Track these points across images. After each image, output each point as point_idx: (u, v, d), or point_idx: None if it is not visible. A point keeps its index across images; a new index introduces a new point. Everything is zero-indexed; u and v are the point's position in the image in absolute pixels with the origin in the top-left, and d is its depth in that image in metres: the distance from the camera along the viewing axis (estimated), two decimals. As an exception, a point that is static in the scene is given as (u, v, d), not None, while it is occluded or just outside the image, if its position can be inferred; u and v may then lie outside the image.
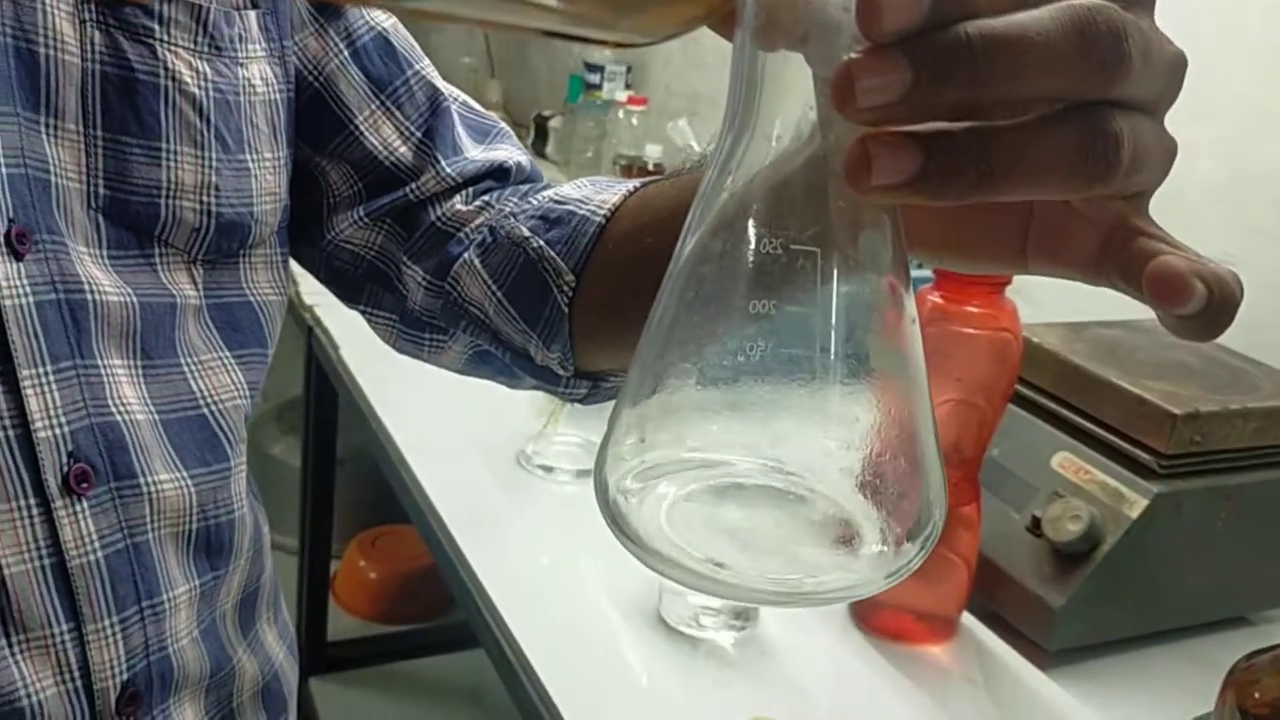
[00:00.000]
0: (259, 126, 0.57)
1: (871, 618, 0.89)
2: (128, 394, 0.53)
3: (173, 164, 0.53)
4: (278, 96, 0.59)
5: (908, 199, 0.27)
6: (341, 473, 1.91)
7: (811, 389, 0.29)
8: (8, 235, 0.47)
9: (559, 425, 1.13)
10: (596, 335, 0.57)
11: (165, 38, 0.52)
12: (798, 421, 0.30)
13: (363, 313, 0.67)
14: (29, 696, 0.49)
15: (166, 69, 0.52)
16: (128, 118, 0.51)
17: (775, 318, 0.29)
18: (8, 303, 0.47)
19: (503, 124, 0.69)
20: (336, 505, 1.91)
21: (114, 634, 0.52)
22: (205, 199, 0.55)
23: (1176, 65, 0.29)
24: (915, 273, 0.31)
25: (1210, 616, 0.95)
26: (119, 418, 0.52)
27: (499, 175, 0.65)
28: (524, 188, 0.64)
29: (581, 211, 0.57)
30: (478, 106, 0.68)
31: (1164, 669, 0.89)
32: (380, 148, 0.63)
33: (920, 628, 0.88)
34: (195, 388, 0.56)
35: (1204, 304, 0.27)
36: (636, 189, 0.57)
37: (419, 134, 0.63)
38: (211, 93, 0.54)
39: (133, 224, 0.53)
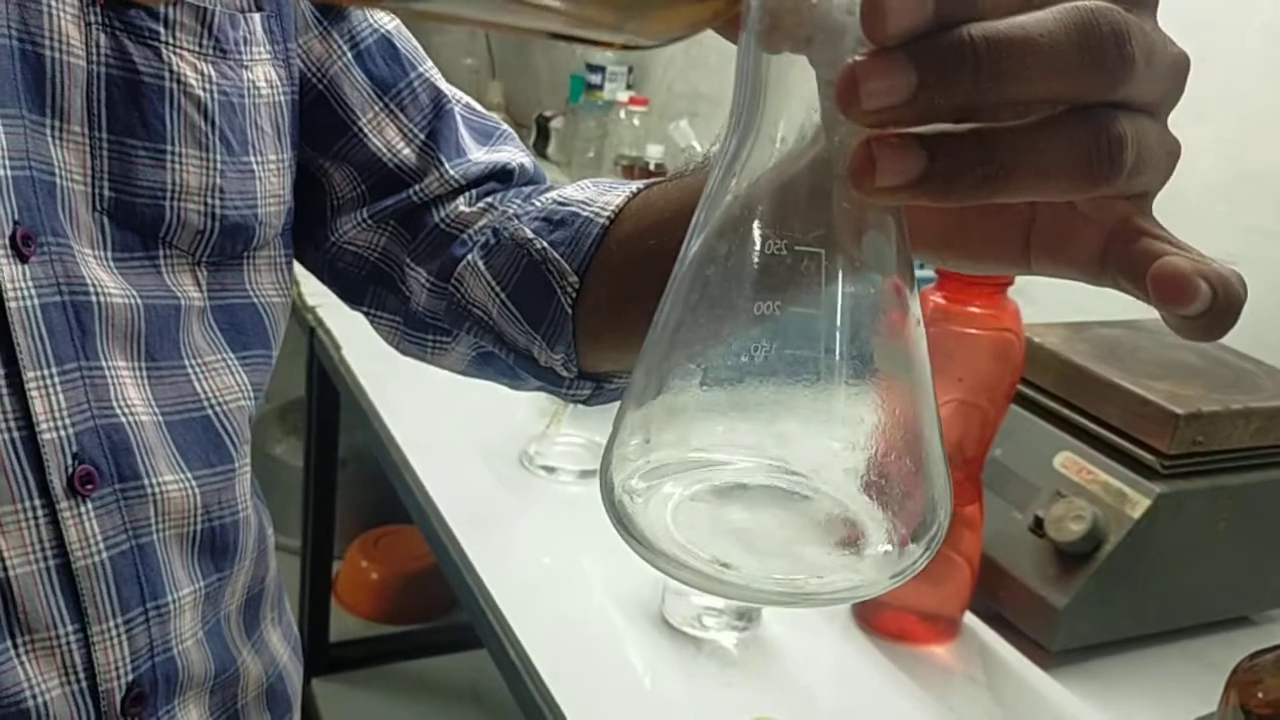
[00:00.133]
0: (263, 129, 0.57)
1: (874, 618, 0.89)
2: (132, 395, 0.53)
3: (177, 166, 0.53)
4: (282, 99, 0.59)
5: (912, 200, 0.27)
6: (344, 473, 1.91)
7: (816, 390, 0.29)
8: (13, 238, 0.47)
9: (561, 425, 1.14)
10: (600, 336, 0.57)
11: (170, 40, 0.52)
12: (803, 422, 0.30)
13: (366, 314, 0.68)
14: (34, 698, 0.49)
15: (171, 71, 0.52)
16: (133, 120, 0.51)
17: (780, 319, 0.29)
18: (13, 305, 0.47)
19: (506, 126, 0.69)
20: (339, 506, 1.91)
21: (119, 635, 0.52)
22: (210, 201, 0.55)
23: (1179, 66, 0.29)
24: (917, 273, 0.31)
25: (1213, 616, 0.95)
26: (123, 419, 0.52)
27: (502, 177, 0.65)
28: (527, 189, 0.64)
29: (585, 213, 0.57)
30: (481, 108, 0.68)
31: (1167, 669, 0.90)
32: (384, 150, 0.63)
33: (923, 628, 0.89)
34: (199, 389, 0.56)
35: (1208, 304, 0.28)
36: (639, 190, 0.57)
37: (422, 136, 0.63)
38: (216, 95, 0.54)
39: (137, 226, 0.53)
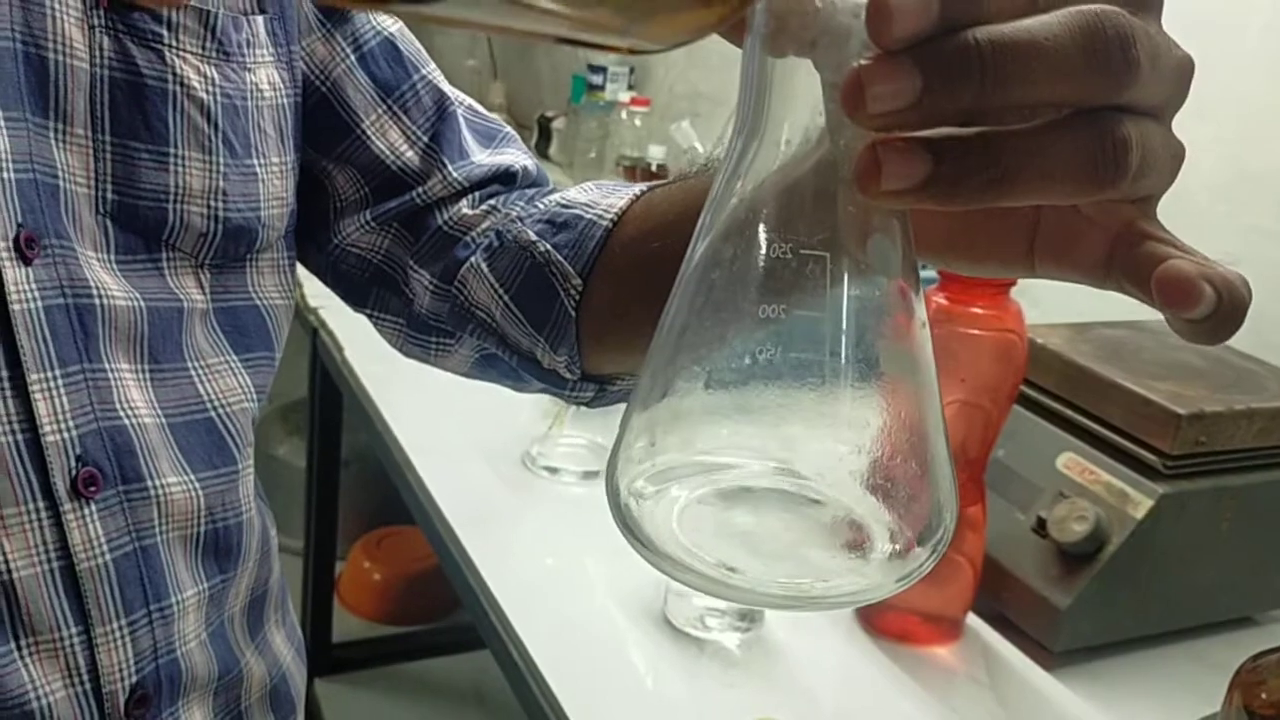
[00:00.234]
0: (266, 131, 0.57)
1: (877, 619, 0.89)
2: (135, 398, 0.53)
3: (180, 169, 0.53)
4: (285, 101, 0.59)
5: (918, 204, 0.27)
6: (346, 474, 1.92)
7: (822, 393, 0.29)
8: (16, 240, 0.47)
9: (564, 426, 1.14)
10: (603, 338, 0.57)
11: (174, 43, 0.52)
12: (808, 425, 0.30)
13: (369, 316, 0.68)
14: (38, 699, 0.49)
15: (175, 74, 0.52)
16: (136, 123, 0.51)
17: (785, 322, 0.29)
18: (16, 307, 0.47)
19: (508, 128, 0.69)
20: (341, 506, 1.91)
21: (122, 637, 0.52)
22: (213, 204, 0.55)
23: (1184, 70, 0.29)
24: (920, 273, 0.31)
25: (1216, 617, 0.95)
26: (126, 421, 0.52)
27: (505, 179, 0.65)
28: (530, 192, 0.64)
29: (588, 216, 0.57)
30: (483, 111, 0.68)
31: (1170, 670, 0.90)
32: (387, 152, 0.63)
33: (926, 629, 0.89)
34: (202, 391, 0.56)
35: (1213, 308, 0.28)
36: (642, 193, 0.57)
37: (426, 138, 0.63)
38: (219, 98, 0.54)
39: (140, 229, 0.53)
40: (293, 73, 0.59)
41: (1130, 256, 0.30)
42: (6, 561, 0.48)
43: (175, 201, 0.53)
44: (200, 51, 0.54)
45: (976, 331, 0.81)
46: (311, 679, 1.92)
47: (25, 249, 0.48)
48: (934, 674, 0.85)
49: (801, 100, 0.29)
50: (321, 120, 0.62)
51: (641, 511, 0.30)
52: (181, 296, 0.55)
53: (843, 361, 0.29)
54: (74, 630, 0.50)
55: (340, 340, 1.39)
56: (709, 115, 2.07)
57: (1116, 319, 1.01)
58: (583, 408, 0.63)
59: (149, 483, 0.53)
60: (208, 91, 0.54)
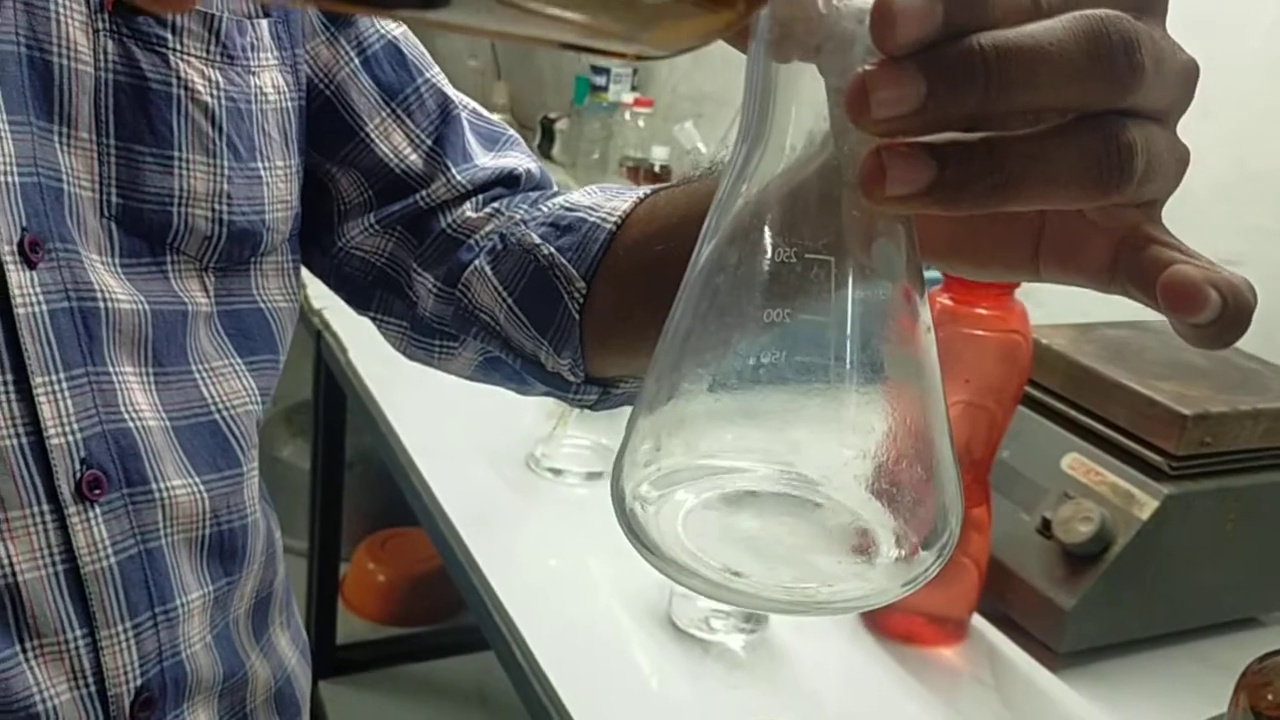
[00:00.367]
0: (271, 134, 0.57)
1: (882, 620, 0.89)
2: (140, 401, 0.53)
3: (185, 172, 0.53)
4: (289, 104, 0.59)
5: (922, 209, 0.27)
6: (350, 475, 1.92)
7: (827, 397, 0.29)
8: (21, 244, 0.47)
9: (568, 428, 1.13)
10: (607, 342, 0.57)
11: (178, 47, 0.52)
12: (813, 429, 0.30)
13: (373, 319, 0.68)
14: (44, 702, 0.49)
15: (179, 78, 0.52)
16: (140, 126, 0.52)
17: (790, 326, 0.29)
18: (21, 311, 0.47)
19: (512, 131, 0.69)
20: (345, 508, 1.91)
21: (127, 640, 0.52)
22: (217, 207, 0.55)
23: (1188, 73, 0.29)
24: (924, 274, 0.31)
25: (1221, 618, 0.94)
26: (131, 424, 0.52)
27: (509, 182, 0.65)
28: (534, 195, 0.64)
29: (592, 219, 0.57)
30: (487, 114, 0.68)
31: (1175, 671, 0.89)
32: (391, 155, 0.63)
33: (931, 630, 0.88)
34: (207, 394, 0.56)
35: (1218, 313, 0.28)
36: (646, 196, 0.57)
37: (429, 141, 0.63)
38: (224, 101, 0.54)
39: (145, 232, 0.53)
40: (297, 76, 0.60)
41: (1135, 261, 0.30)
42: (11, 564, 0.48)
43: (180, 205, 0.53)
44: (205, 55, 0.54)
45: (981, 332, 0.81)
46: (316, 680, 1.93)
47: (30, 252, 0.48)
48: (939, 675, 0.85)
49: (806, 105, 0.29)
50: (325, 124, 0.62)
51: (646, 516, 0.30)
52: (186, 299, 0.55)
53: (848, 366, 0.29)
54: (79, 633, 0.50)
55: (344, 342, 1.39)
56: (712, 116, 2.07)
57: (1121, 319, 1.01)
58: (587, 411, 0.63)
59: (153, 485, 0.53)
60: (212, 95, 0.54)
